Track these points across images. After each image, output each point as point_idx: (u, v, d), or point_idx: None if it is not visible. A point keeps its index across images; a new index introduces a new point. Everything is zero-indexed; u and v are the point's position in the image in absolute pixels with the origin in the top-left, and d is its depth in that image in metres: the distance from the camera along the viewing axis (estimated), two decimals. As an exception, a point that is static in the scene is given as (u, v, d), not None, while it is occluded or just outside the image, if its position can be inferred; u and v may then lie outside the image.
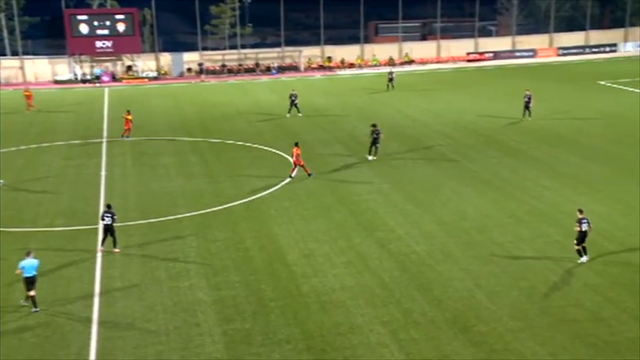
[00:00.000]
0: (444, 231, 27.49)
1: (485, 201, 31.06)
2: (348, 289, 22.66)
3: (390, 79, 63.78)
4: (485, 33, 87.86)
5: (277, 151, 40.90)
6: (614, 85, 61.90)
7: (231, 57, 78.00)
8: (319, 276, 23.67)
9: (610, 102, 54.27)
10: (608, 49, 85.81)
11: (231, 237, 27.46)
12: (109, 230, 25.87)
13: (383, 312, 21.04)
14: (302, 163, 35.14)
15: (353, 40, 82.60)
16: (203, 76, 74.13)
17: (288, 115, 51.17)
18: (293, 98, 51.80)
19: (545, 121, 47.38)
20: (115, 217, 26.04)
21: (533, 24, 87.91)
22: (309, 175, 35.20)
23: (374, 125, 38.93)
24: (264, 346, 19.35)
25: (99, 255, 25.72)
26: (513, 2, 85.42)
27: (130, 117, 45.14)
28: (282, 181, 34.77)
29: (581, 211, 24.40)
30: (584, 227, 24.03)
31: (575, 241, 24.26)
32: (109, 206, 26.67)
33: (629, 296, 21.58)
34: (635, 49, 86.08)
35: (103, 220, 26.02)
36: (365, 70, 78.42)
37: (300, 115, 51.30)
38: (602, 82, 63.63)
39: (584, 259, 24.19)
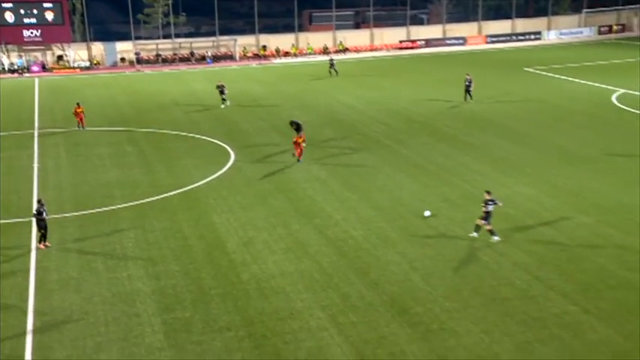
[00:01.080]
0: (380, 216, 27.76)
1: (420, 186, 31.45)
2: (287, 275, 22.72)
3: (331, 65, 64.30)
4: (417, 21, 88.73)
5: (214, 140, 40.59)
6: (540, 72, 63.32)
7: (165, 46, 76.86)
8: (259, 263, 23.65)
9: (536, 88, 55.48)
10: (533, 37, 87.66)
11: (169, 227, 27.18)
12: (41, 225, 25.08)
13: (322, 297, 21.17)
14: (301, 148, 35.38)
15: (287, 28, 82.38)
16: (139, 66, 72.86)
17: (222, 107, 50.53)
18: (221, 89, 51.14)
19: (475, 107, 48.20)
20: (46, 211, 25.27)
21: (463, 12, 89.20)
22: (298, 160, 35.29)
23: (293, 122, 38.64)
24: (205, 334, 19.27)
25: (33, 249, 25.14)
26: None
27: (80, 109, 44.27)
28: (220, 169, 34.56)
29: (488, 193, 25.14)
30: (490, 208, 24.77)
31: (484, 221, 24.92)
32: (39, 201, 25.77)
33: (555, 274, 22.18)
34: (558, 37, 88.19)
35: (39, 215, 25.01)
36: (300, 59, 78.34)
37: (222, 106, 50.31)
38: (529, 69, 65.01)
39: (497, 238, 24.86)
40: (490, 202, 24.77)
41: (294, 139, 35.71)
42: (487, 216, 24.77)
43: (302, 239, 25.61)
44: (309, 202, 29.62)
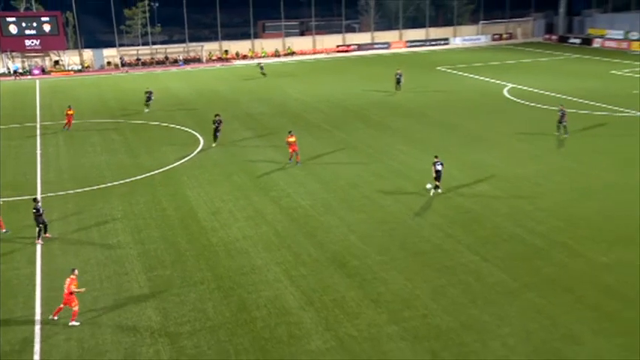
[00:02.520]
0: (323, 189, 27.71)
1: (355, 163, 31.46)
2: (249, 238, 22.55)
3: (261, 68, 63.17)
4: (351, 29, 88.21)
5: (187, 129, 39.88)
6: (448, 70, 63.86)
7: (144, 52, 75.02)
8: (225, 229, 23.42)
9: (446, 83, 55.92)
10: (442, 42, 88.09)
11: (151, 200, 26.67)
12: (39, 221, 22.43)
13: (277, 255, 21.09)
14: (295, 149, 30.87)
15: (245, 36, 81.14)
16: (126, 68, 70.92)
17: (146, 111, 45.14)
18: (149, 95, 46.14)
19: (399, 98, 48.34)
20: (41, 208, 22.63)
21: (387, 22, 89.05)
22: (290, 160, 31.07)
23: (217, 115, 35.90)
24: (183, 287, 19.04)
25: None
26: (371, 5, 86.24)
27: (70, 112, 40.90)
28: (192, 153, 33.99)
29: (436, 157, 26.19)
30: (438, 167, 25.88)
31: (435, 179, 26.07)
32: (35, 199, 23.33)
33: (462, 231, 22.55)
34: (462, 42, 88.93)
35: (37, 212, 22.31)
36: (256, 61, 77.28)
37: (146, 111, 45.15)
38: (440, 68, 65.50)
39: (439, 190, 25.96)
40: (438, 163, 25.87)
41: (287, 140, 31.35)
42: (438, 174, 26.02)
43: (260, 209, 25.43)
44: (265, 179, 29.39)
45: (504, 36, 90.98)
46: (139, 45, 75.99)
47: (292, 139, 31.11)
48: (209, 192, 27.62)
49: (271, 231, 23.14)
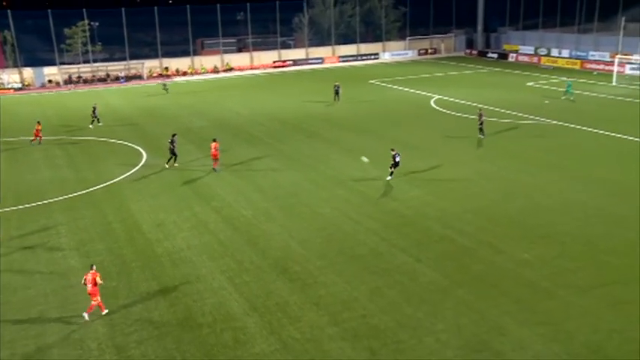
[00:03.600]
0: (264, 198, 27.56)
1: (294, 172, 31.44)
2: (193, 247, 22.17)
3: (164, 85, 62.92)
4: (286, 46, 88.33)
5: (129, 144, 38.92)
6: (380, 83, 64.83)
7: (85, 69, 72.81)
8: (170, 239, 22.95)
9: (377, 95, 56.69)
10: (373, 57, 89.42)
11: (95, 214, 25.85)
12: None
13: (221, 263, 20.81)
14: (217, 157, 31.43)
15: (185, 53, 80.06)
16: (72, 86, 68.55)
17: (90, 127, 44.04)
18: (94, 110, 44.96)
19: (332, 110, 48.69)
20: None
21: (320, 38, 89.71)
22: (214, 169, 31.50)
23: (173, 135, 33.65)
24: (129, 298, 18.52)
25: (-21, 238, 23.18)
26: (304, 22, 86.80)
27: (39, 127, 39.44)
28: (135, 167, 33.17)
29: (393, 149, 28.79)
30: (397, 159, 28.32)
31: (392, 169, 28.84)
32: None
33: (396, 235, 22.83)
34: (391, 57, 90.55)
35: None
36: (195, 77, 76.36)
37: (100, 124, 44.50)
38: (372, 81, 66.39)
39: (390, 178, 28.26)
40: (396, 155, 28.94)
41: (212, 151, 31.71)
42: (396, 164, 28.67)
43: (203, 219, 25.06)
44: (207, 189, 29.00)
45: (429, 51, 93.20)
46: (80, 63, 73.79)
47: (214, 146, 31.54)
48: (153, 204, 27.01)
49: (214, 240, 22.82)
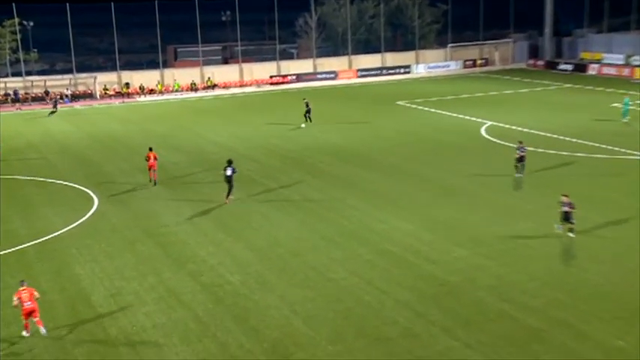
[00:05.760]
0: (257, 258, 27.47)
1: (297, 224, 31.43)
2: (160, 326, 21.98)
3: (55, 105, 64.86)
4: (287, 56, 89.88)
5: (75, 185, 39.14)
6: (410, 105, 65.29)
7: (15, 84, 73.64)
8: (128, 316, 22.78)
9: (406, 121, 57.03)
10: (402, 70, 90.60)
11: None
12: None
13: (198, 348, 20.60)
14: (155, 168, 38.07)
15: (152, 64, 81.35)
16: (19, 105, 69.64)
17: None
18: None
19: (346, 141, 48.97)
20: None
21: (332, 47, 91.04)
22: (151, 180, 38.32)
23: (230, 161, 35.62)
24: (71, 397, 18.29)
25: None
26: (312, 25, 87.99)
27: None
28: (83, 216, 33.28)
29: (566, 196, 28.69)
30: (565, 209, 28.46)
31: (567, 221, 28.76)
32: None
33: (436, 309, 22.55)
34: (427, 70, 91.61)
35: None
36: (166, 96, 77.38)
37: None
38: (401, 103, 66.88)
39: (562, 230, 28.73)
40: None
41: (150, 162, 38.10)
42: (568, 215, 28.51)
43: (175, 287, 24.93)
44: (180, 247, 28.95)
45: (479, 62, 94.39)
46: (7, 76, 74.74)
47: (151, 156, 38.11)
48: (106, 267, 26.94)
49: (190, 316, 22.64)
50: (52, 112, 63.88)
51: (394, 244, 28.24)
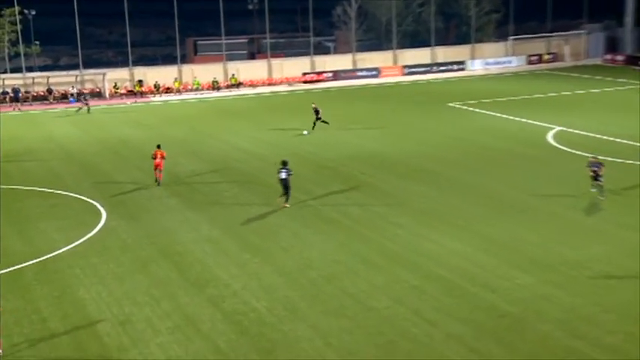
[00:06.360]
0: (286, 283, 27.48)
1: (333, 244, 31.37)
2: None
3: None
4: (323, 50, 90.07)
5: (80, 196, 39.58)
6: (464, 107, 65.01)
7: (14, 82, 74.67)
8: (139, 347, 22.92)
9: (460, 125, 56.82)
10: (455, 67, 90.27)
11: (22, 307, 25.97)
12: None
13: (219, 385, 20.66)
14: (161, 168, 40.43)
15: (168, 60, 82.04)
16: (19, 105, 70.81)
17: None
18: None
19: (392, 150, 48.91)
20: None
21: (375, 40, 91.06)
22: (156, 181, 40.61)
23: (285, 162, 36.97)
24: None
25: None
26: (351, 15, 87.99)
27: None
28: (89, 232, 33.61)
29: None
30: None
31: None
32: None
33: (495, 345, 22.32)
34: (484, 67, 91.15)
35: None
36: (185, 96, 77.99)
37: None
38: (453, 104, 66.64)
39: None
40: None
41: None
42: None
43: (192, 315, 25.04)
44: (199, 269, 29.09)
45: (546, 57, 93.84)
46: (5, 72, 75.85)
47: (158, 154, 40.65)
48: (114, 291, 27.16)
49: (209, 348, 22.72)
50: (80, 109, 64.67)
51: (445, 269, 28.05)
